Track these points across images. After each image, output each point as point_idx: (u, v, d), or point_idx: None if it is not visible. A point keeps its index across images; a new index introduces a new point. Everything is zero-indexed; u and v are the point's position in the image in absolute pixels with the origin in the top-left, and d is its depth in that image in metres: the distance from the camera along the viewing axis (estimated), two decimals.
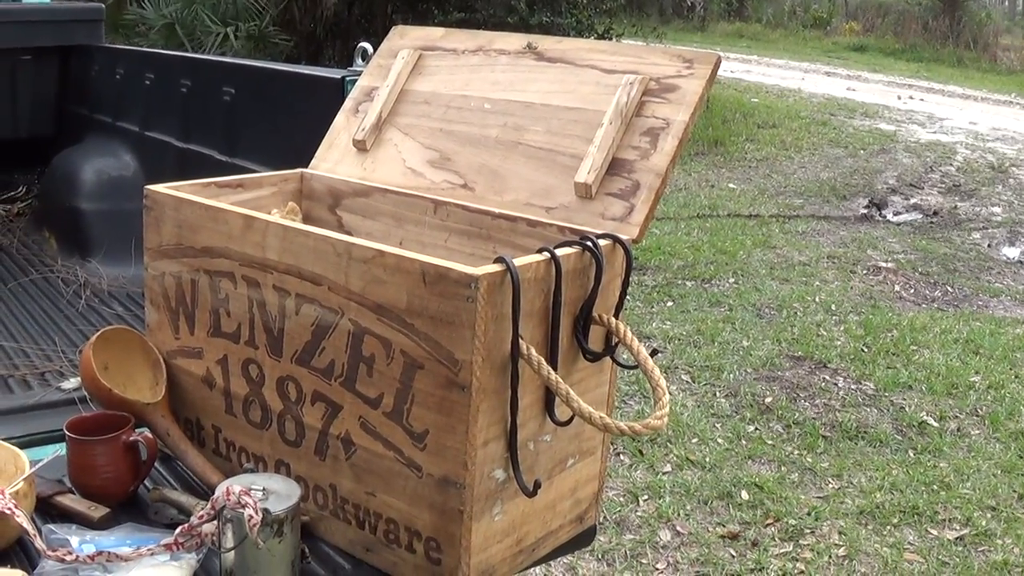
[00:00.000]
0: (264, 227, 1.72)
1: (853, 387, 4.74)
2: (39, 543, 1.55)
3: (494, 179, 1.93)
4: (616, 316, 1.71)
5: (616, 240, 1.69)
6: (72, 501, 1.77)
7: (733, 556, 3.37)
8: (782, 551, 3.40)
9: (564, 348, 1.64)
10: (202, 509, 1.57)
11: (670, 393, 1.79)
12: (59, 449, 1.81)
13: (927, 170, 9.87)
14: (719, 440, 4.15)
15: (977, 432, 4.36)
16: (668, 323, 5.44)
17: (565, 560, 3.25)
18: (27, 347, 2.94)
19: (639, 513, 3.58)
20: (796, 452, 4.09)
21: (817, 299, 5.98)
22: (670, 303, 5.82)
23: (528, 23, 9.14)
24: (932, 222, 8.13)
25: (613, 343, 1.73)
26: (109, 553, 1.55)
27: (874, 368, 4.95)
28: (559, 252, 1.58)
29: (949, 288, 6.44)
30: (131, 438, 1.79)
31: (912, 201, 8.69)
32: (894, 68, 18.71)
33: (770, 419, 4.37)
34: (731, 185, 9.08)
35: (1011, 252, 7.37)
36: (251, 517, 1.48)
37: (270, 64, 3.49)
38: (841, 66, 18.70)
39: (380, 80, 2.19)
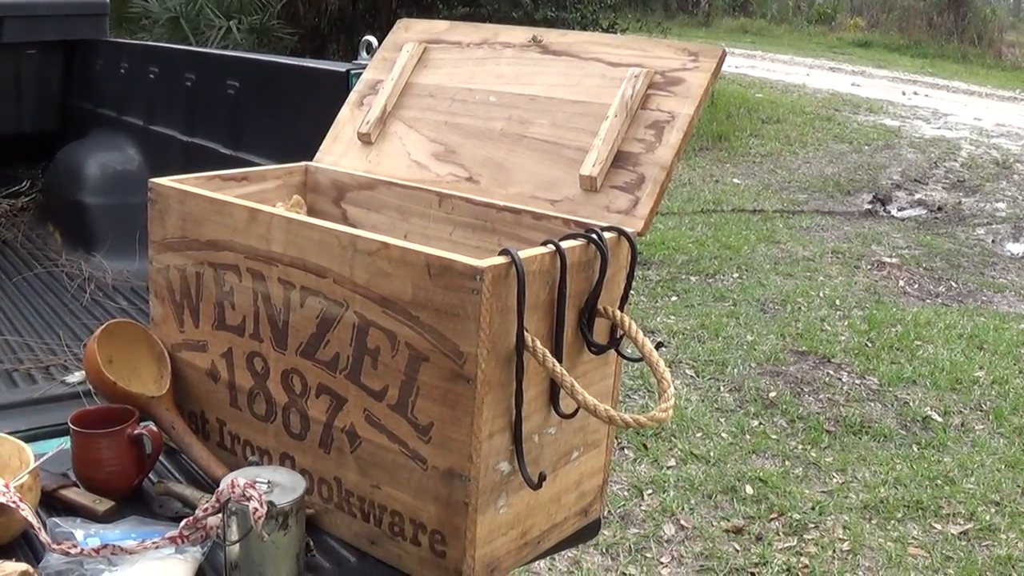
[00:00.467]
0: (269, 220, 1.72)
1: (857, 382, 4.73)
2: (44, 536, 1.55)
3: (499, 172, 1.93)
4: (621, 309, 1.71)
5: (621, 233, 1.69)
6: (77, 495, 1.76)
7: (737, 550, 3.36)
8: (786, 545, 3.40)
9: (569, 341, 1.64)
10: (207, 502, 1.57)
11: (674, 387, 1.79)
12: (64, 443, 1.81)
13: (931, 166, 9.85)
14: (723, 435, 4.15)
15: (981, 427, 4.35)
16: (672, 318, 5.44)
17: (569, 554, 3.25)
18: (32, 341, 2.94)
19: (643, 507, 3.58)
20: (800, 447, 4.09)
21: (821, 294, 5.98)
22: (674, 298, 5.81)
23: (533, 18, 9.12)
24: (936, 218, 8.11)
25: (618, 336, 1.72)
26: (114, 546, 1.55)
27: (878, 363, 4.94)
28: (564, 245, 1.58)
29: (953, 284, 6.43)
30: (136, 431, 1.79)
31: (916, 197, 8.68)
32: (899, 64, 18.67)
33: (774, 414, 4.37)
34: (735, 180, 9.07)
35: (1015, 248, 7.36)
36: (256, 510, 1.47)
37: (275, 57, 3.48)
38: (846, 62, 18.66)
39: (385, 73, 2.19)
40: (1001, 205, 8.53)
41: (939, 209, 8.31)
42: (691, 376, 4.72)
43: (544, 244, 1.58)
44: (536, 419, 1.63)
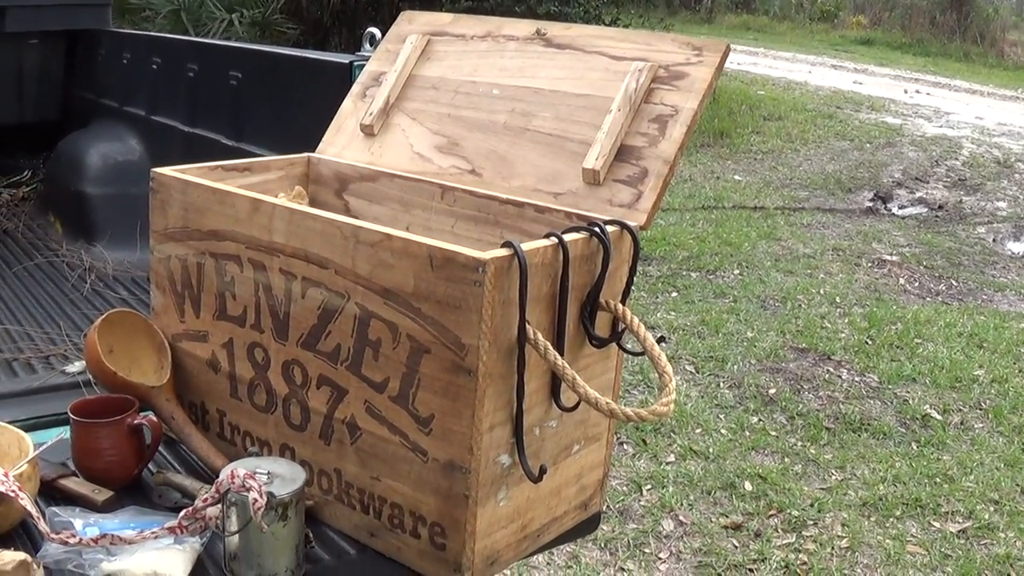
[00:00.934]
0: (271, 210, 1.72)
1: (857, 379, 4.73)
2: (42, 526, 1.54)
3: (502, 165, 1.92)
4: (623, 302, 1.70)
5: (624, 226, 1.69)
6: (76, 484, 1.76)
7: (736, 547, 3.36)
8: (785, 542, 3.40)
9: (571, 334, 1.64)
10: (206, 493, 1.57)
11: (674, 382, 1.78)
12: (63, 432, 1.81)
13: (933, 164, 9.84)
14: (723, 431, 4.15)
15: (980, 426, 4.35)
16: (673, 314, 5.43)
17: (568, 548, 3.25)
18: (32, 331, 2.94)
19: (642, 503, 3.58)
20: (799, 444, 4.09)
21: (822, 291, 5.97)
22: (675, 294, 5.81)
23: (536, 12, 9.11)
24: (937, 216, 8.11)
25: (620, 329, 1.72)
26: (113, 536, 1.55)
27: (878, 361, 4.94)
28: (567, 237, 1.58)
29: (954, 282, 6.43)
30: (135, 421, 1.79)
31: (917, 195, 8.67)
32: (901, 62, 18.65)
33: (774, 410, 4.37)
34: (736, 177, 9.06)
35: (1016, 247, 7.35)
36: (255, 501, 1.47)
37: (278, 48, 3.47)
38: (848, 59, 18.63)
39: (388, 65, 2.18)
40: (1002, 204, 8.52)
41: (940, 207, 8.30)
42: (691, 372, 4.72)
43: (547, 237, 1.58)
44: (537, 412, 1.63)
